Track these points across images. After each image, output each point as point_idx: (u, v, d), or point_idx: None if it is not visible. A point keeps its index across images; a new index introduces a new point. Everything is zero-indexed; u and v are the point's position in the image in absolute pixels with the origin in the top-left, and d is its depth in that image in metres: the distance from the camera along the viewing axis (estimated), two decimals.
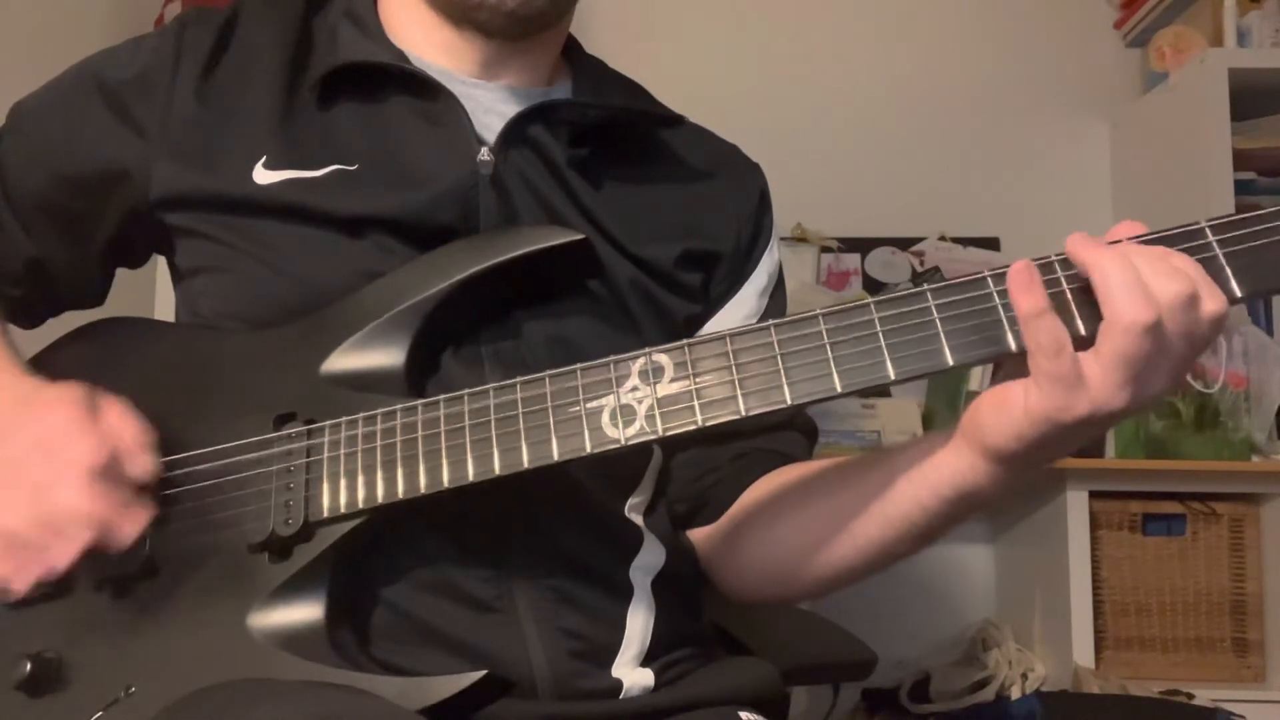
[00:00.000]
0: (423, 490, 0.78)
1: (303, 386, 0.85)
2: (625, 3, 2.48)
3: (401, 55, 0.95)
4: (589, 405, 0.77)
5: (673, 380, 0.76)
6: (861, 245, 2.45)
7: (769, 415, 0.75)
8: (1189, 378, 1.88)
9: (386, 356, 0.84)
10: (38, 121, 0.97)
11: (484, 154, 0.92)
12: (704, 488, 0.98)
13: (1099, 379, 0.69)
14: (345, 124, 0.92)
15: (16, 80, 1.02)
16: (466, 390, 0.80)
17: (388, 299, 0.85)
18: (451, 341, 0.87)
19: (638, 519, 0.93)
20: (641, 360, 0.77)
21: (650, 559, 0.92)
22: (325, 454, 0.81)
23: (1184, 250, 0.72)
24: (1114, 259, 0.70)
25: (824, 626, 1.49)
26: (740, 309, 1.01)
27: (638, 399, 0.76)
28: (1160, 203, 2.34)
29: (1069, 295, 0.72)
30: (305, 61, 0.95)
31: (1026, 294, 0.70)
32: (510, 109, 0.94)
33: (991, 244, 2.45)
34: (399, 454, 0.79)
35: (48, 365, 0.90)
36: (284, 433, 0.82)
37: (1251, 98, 2.23)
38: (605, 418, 0.76)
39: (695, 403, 0.75)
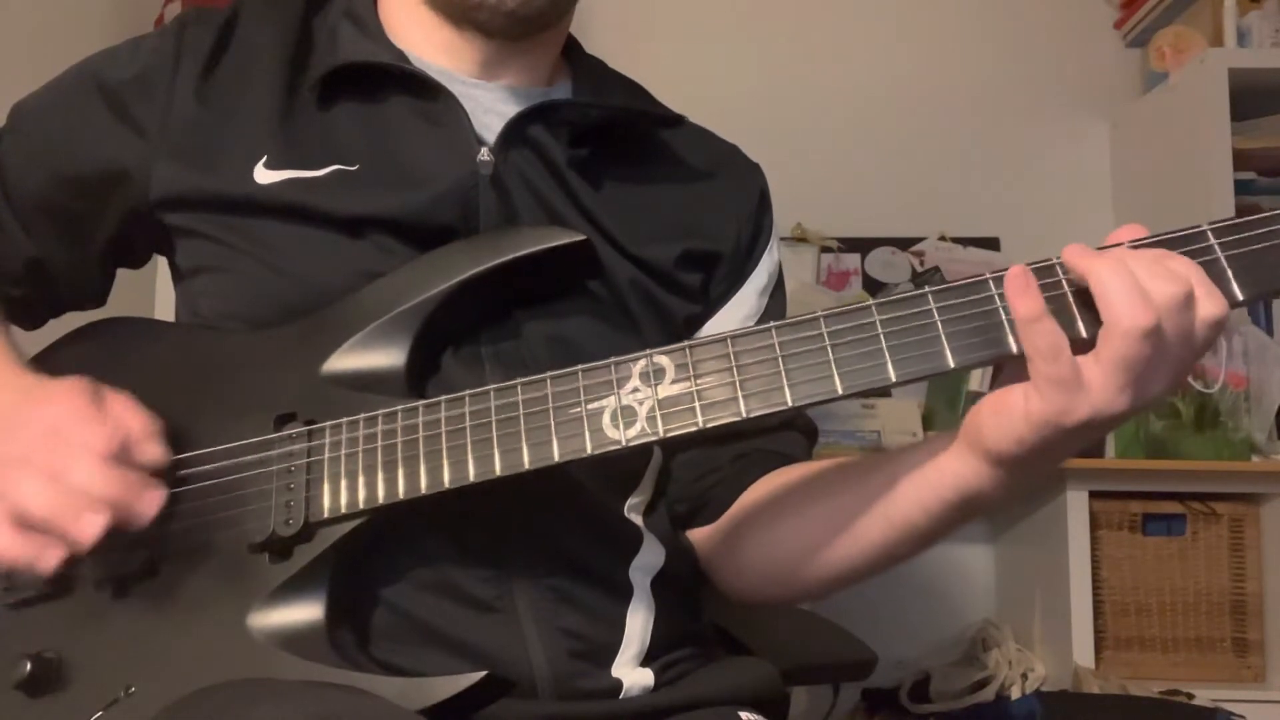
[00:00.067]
0: (423, 491, 0.78)
1: (303, 387, 0.85)
2: (625, 3, 2.48)
3: (401, 55, 0.95)
4: (590, 406, 0.77)
5: (674, 381, 0.76)
6: (861, 245, 2.45)
7: (770, 416, 0.75)
8: (1189, 378, 1.88)
9: (387, 357, 0.84)
10: (38, 121, 0.97)
11: (484, 154, 0.92)
12: (704, 488, 0.98)
13: (1099, 383, 0.69)
14: (345, 124, 0.92)
15: (16, 80, 1.02)
16: (467, 391, 0.80)
17: (388, 299, 0.85)
18: (452, 342, 0.87)
19: (637, 519, 0.93)
20: (642, 362, 0.77)
21: (650, 559, 0.92)
22: (326, 454, 0.81)
23: (1186, 253, 0.72)
24: (1110, 264, 0.70)
25: (824, 626, 1.49)
26: (740, 309, 1.01)
27: (639, 400, 0.76)
28: (1160, 203, 2.34)
29: (1070, 298, 0.72)
30: (305, 61, 0.95)
31: (1023, 298, 0.70)
32: (510, 109, 0.94)
33: (991, 244, 2.45)
34: (400, 454, 0.79)
35: (48, 365, 0.90)
36: (284, 433, 0.82)
37: (1251, 98, 2.23)
38: (606, 419, 0.76)
39: (696, 404, 0.75)
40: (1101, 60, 2.57)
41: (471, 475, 0.77)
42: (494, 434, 0.78)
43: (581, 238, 0.88)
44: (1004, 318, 0.72)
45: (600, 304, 0.92)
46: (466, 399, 0.79)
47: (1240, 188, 2.19)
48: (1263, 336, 2.11)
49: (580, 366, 0.78)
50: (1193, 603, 2.04)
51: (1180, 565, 2.05)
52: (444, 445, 0.78)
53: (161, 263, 1.00)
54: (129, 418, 0.79)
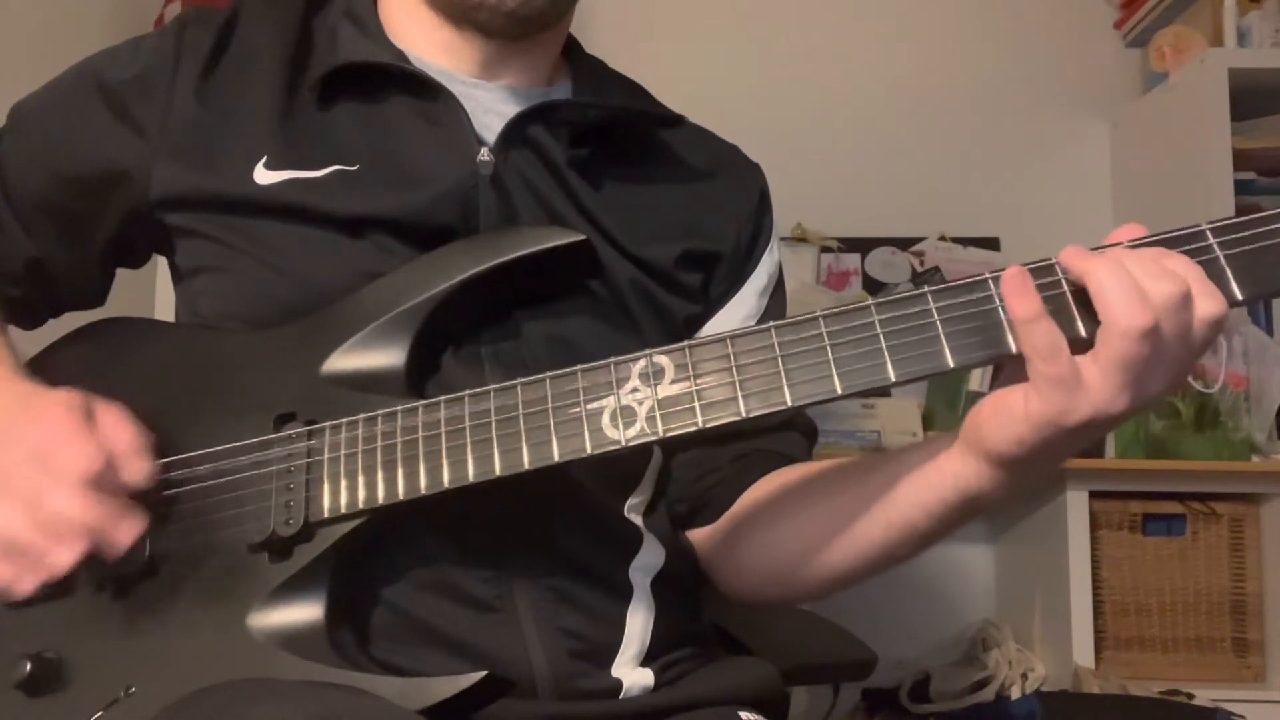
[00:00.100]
0: (423, 491, 0.78)
1: (303, 387, 0.85)
2: (625, 3, 2.48)
3: (401, 55, 0.95)
4: (589, 406, 0.77)
5: (673, 381, 0.76)
6: (861, 245, 2.45)
7: (769, 416, 0.75)
8: (1189, 378, 1.88)
9: (387, 357, 0.84)
10: (38, 122, 0.97)
11: (484, 154, 0.92)
12: (704, 488, 0.98)
13: (1098, 382, 0.69)
14: (345, 124, 0.92)
15: (16, 80, 1.02)
16: (467, 391, 0.80)
17: (388, 299, 0.85)
18: (452, 342, 0.87)
19: (637, 519, 0.93)
20: (642, 362, 0.77)
21: (650, 559, 0.92)
22: (325, 454, 0.81)
23: (1185, 253, 0.72)
24: (1108, 265, 0.70)
25: (824, 626, 1.49)
26: (740, 309, 1.01)
27: (638, 400, 0.76)
28: (1160, 203, 2.34)
29: (1069, 297, 0.72)
30: (305, 61, 0.95)
31: (1020, 298, 0.70)
32: (510, 109, 0.94)
33: (991, 244, 2.45)
34: (399, 454, 0.79)
35: (47, 366, 0.90)
36: (284, 433, 0.82)
37: (1251, 98, 2.23)
38: (606, 419, 0.76)
39: (696, 404, 0.75)
40: (1101, 60, 2.57)
41: (471, 475, 0.77)
42: (493, 434, 0.78)
43: (581, 238, 0.88)
44: (1003, 317, 0.72)
45: (600, 304, 0.92)
46: (466, 399, 0.79)
47: (1240, 188, 2.19)
48: (1263, 336, 2.11)
49: (580, 366, 0.78)
50: (1193, 603, 2.04)
51: (1180, 565, 2.05)
52: (443, 445, 0.78)
53: (161, 263, 1.00)
54: (117, 434, 0.79)
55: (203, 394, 0.87)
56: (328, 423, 0.82)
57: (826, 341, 0.74)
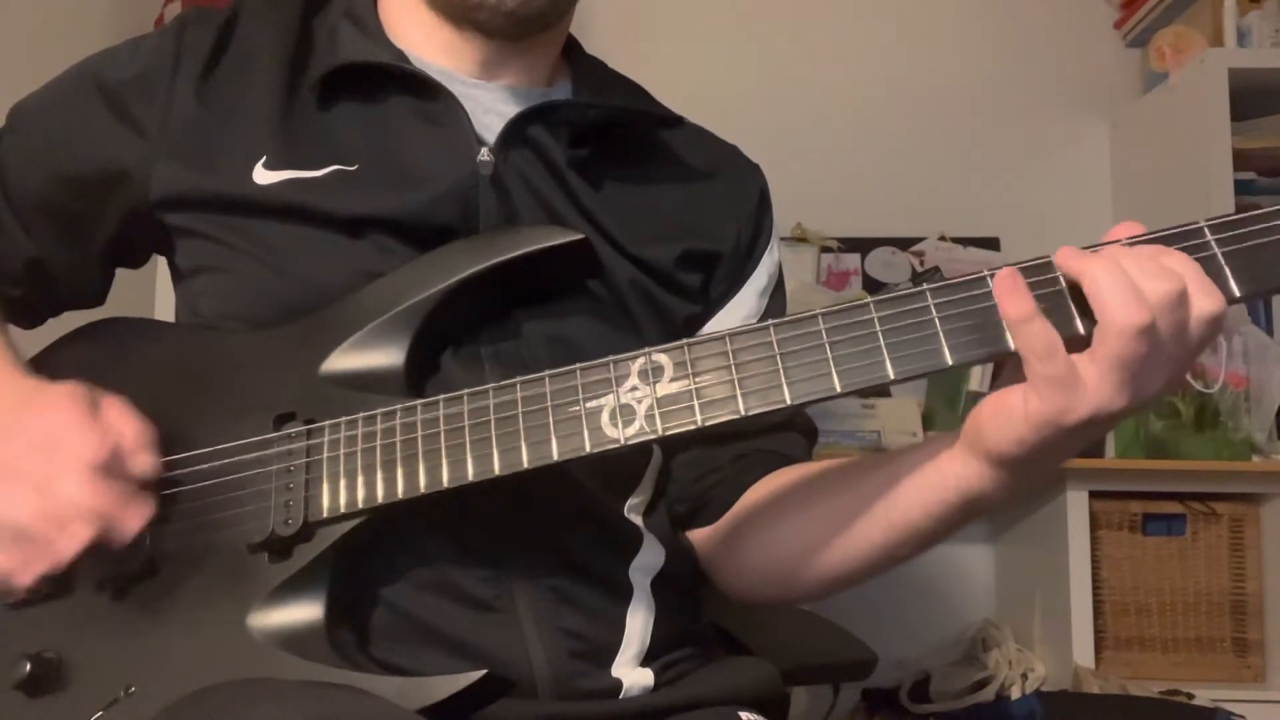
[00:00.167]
0: (422, 490, 0.78)
1: (302, 386, 0.85)
2: (625, 3, 2.48)
3: (401, 55, 0.95)
4: (588, 405, 0.77)
5: (672, 380, 0.76)
6: (861, 245, 2.45)
7: (769, 415, 0.75)
8: (1189, 377, 1.88)
9: (386, 356, 0.84)
10: (38, 122, 0.97)
11: (484, 154, 0.92)
12: (704, 488, 0.98)
13: (1096, 381, 0.69)
14: (345, 124, 0.92)
15: (16, 80, 1.02)
16: (466, 390, 0.80)
17: (388, 299, 0.85)
18: (451, 341, 0.87)
19: (637, 519, 0.93)
20: (641, 360, 0.77)
21: (650, 559, 0.92)
22: (325, 454, 0.81)
23: (1183, 250, 0.71)
24: (1103, 263, 0.69)
25: (824, 626, 1.49)
26: (740, 309, 1.01)
27: (637, 399, 0.76)
28: (1160, 203, 2.34)
29: (1066, 295, 0.71)
30: (305, 61, 0.95)
31: (1012, 300, 0.70)
32: (510, 109, 0.94)
33: (991, 244, 2.45)
34: (399, 454, 0.79)
35: (48, 365, 0.90)
36: (284, 433, 0.82)
37: (1251, 98, 2.23)
38: (605, 417, 0.76)
39: (695, 402, 0.75)
40: (1101, 60, 2.57)
41: (470, 474, 0.77)
42: (493, 433, 0.78)
43: (581, 237, 0.88)
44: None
45: (600, 304, 0.92)
46: (465, 398, 0.79)
47: (1240, 188, 2.19)
48: (1263, 336, 2.11)
49: (579, 365, 0.78)
50: (1193, 603, 2.04)
51: (1180, 565, 2.05)
52: (443, 444, 0.78)
53: (161, 263, 1.00)
54: (122, 426, 0.79)
55: (202, 394, 0.87)
56: (327, 422, 0.82)
57: (825, 340, 0.74)
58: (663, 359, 0.77)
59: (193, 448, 0.84)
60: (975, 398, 2.10)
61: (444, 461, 0.78)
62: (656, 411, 0.76)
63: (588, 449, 0.76)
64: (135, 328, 0.95)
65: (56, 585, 0.80)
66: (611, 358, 0.78)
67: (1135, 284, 0.68)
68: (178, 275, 0.97)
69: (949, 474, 0.79)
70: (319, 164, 0.90)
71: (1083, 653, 1.97)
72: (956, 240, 2.45)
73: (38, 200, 0.96)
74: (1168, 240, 0.72)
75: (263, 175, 0.89)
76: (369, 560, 0.82)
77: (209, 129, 0.91)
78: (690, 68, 2.43)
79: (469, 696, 0.74)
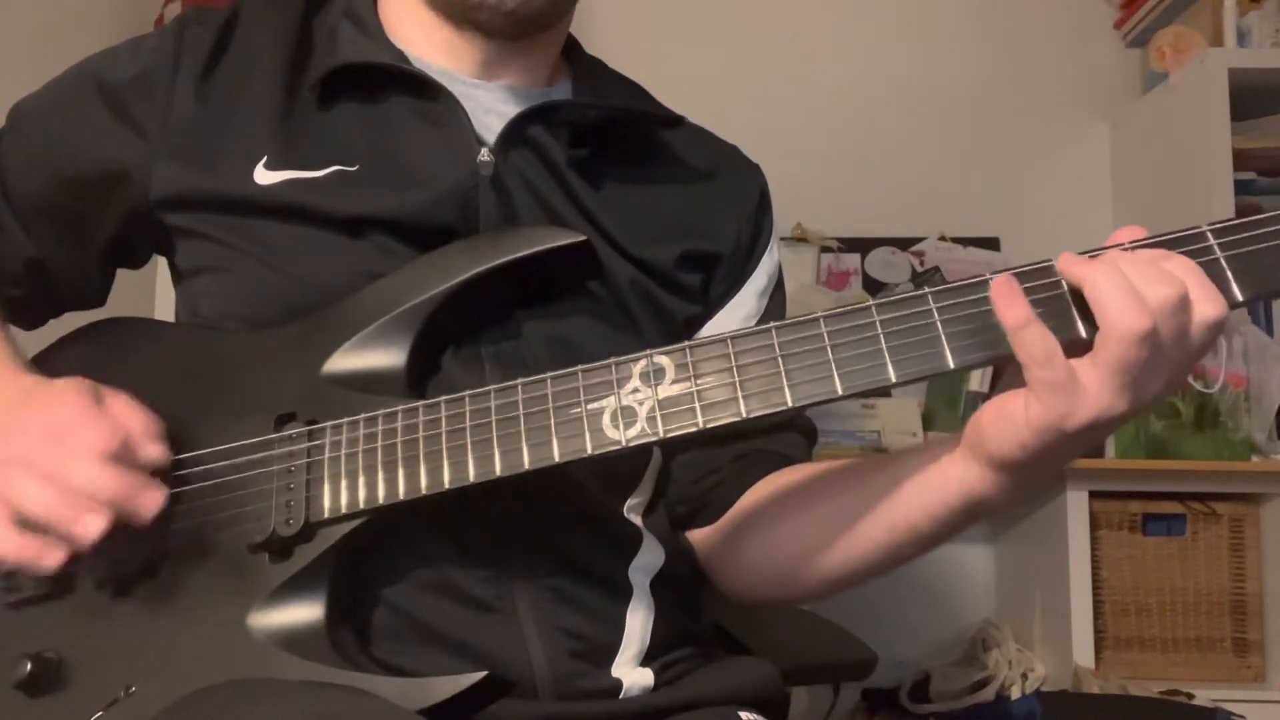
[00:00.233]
0: (423, 491, 0.78)
1: (303, 387, 0.85)
2: (625, 3, 2.48)
3: (401, 55, 0.95)
4: (590, 407, 0.77)
5: (674, 382, 0.76)
6: (861, 245, 2.45)
7: (769, 416, 0.75)
8: (1189, 378, 1.88)
9: (387, 357, 0.84)
10: (38, 122, 0.97)
11: (484, 154, 0.92)
12: (705, 489, 0.98)
13: (1097, 386, 0.69)
14: (345, 124, 0.92)
15: (16, 80, 1.02)
16: (468, 391, 0.80)
17: (388, 300, 0.85)
18: (452, 342, 0.87)
19: (637, 519, 0.93)
20: (643, 362, 0.77)
21: (649, 559, 0.92)
22: (326, 454, 0.81)
23: (1185, 254, 0.71)
24: (1104, 269, 0.69)
25: (824, 626, 1.49)
26: (740, 310, 1.01)
27: (639, 400, 0.76)
28: (1160, 203, 2.34)
29: (1068, 298, 0.71)
30: (305, 62, 0.95)
31: (1009, 306, 0.70)
32: (510, 109, 0.94)
33: (991, 244, 2.45)
34: (400, 455, 0.79)
35: (48, 365, 0.90)
36: (285, 433, 0.82)
37: (1251, 98, 2.23)
38: (606, 419, 0.76)
39: (696, 404, 0.75)
40: (1101, 60, 2.57)
41: (471, 475, 0.77)
42: (494, 434, 0.78)
43: (581, 238, 0.88)
44: None
45: (600, 304, 0.92)
46: (466, 399, 0.79)
47: (1240, 188, 2.19)
48: (1263, 336, 2.11)
49: (580, 367, 0.78)
50: (1193, 603, 2.04)
51: (1180, 565, 2.05)
52: (444, 445, 0.78)
53: (161, 263, 1.00)
54: (130, 417, 0.79)
55: (203, 394, 0.87)
56: (328, 423, 0.82)
57: (827, 342, 0.74)
58: (664, 361, 0.77)
59: (194, 448, 0.84)
60: (975, 398, 2.10)
61: (445, 462, 0.78)
62: (658, 413, 0.76)
63: (589, 451, 0.76)
64: (135, 328, 0.95)
65: (57, 585, 0.80)
66: (613, 360, 0.78)
67: (1136, 289, 0.68)
68: (178, 275, 0.97)
69: (951, 477, 0.79)
70: (319, 164, 0.90)
71: (1083, 653, 1.97)
72: (956, 240, 2.45)
73: (38, 200, 0.96)
74: (1170, 244, 0.72)
75: (264, 175, 0.89)
76: (370, 561, 0.82)
77: (209, 129, 0.91)
78: (690, 68, 2.43)
79: (469, 697, 0.74)
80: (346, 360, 0.85)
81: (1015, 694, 1.96)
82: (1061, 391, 0.69)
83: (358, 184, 0.90)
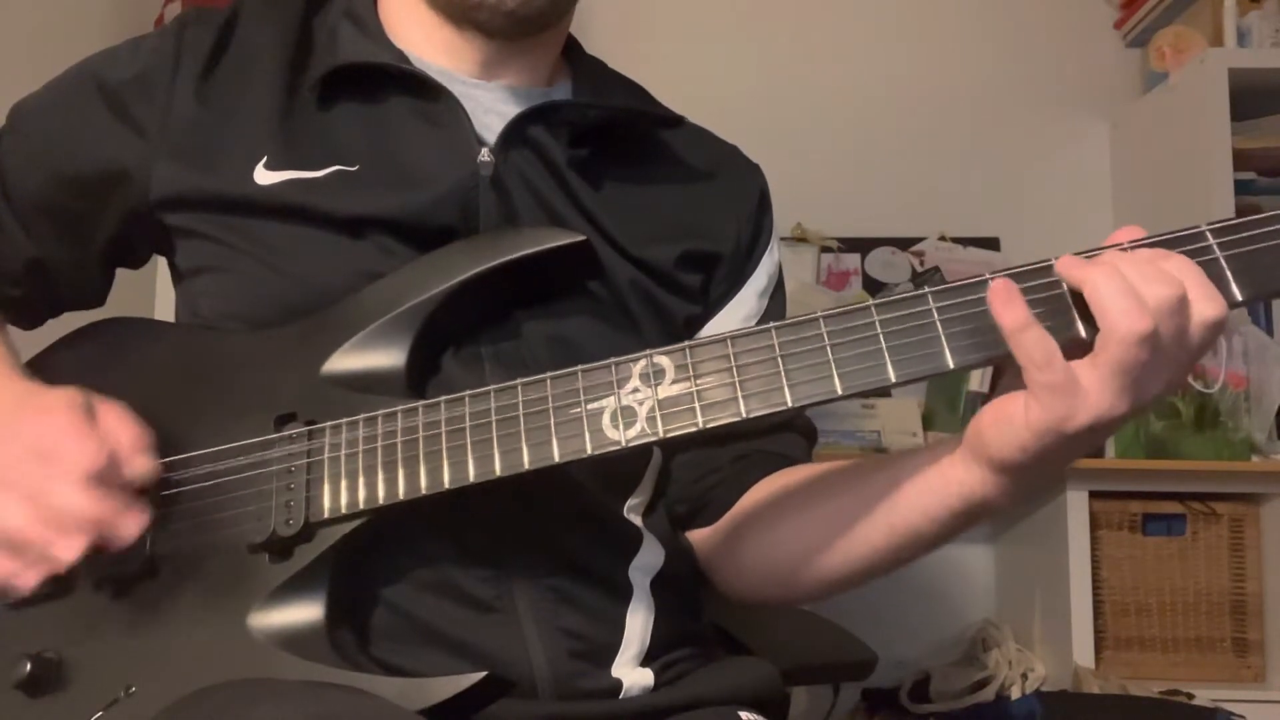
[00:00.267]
0: (423, 491, 0.78)
1: (303, 387, 0.85)
2: (625, 3, 2.48)
3: (402, 55, 0.95)
4: (590, 407, 0.77)
5: (674, 382, 0.76)
6: (861, 245, 2.45)
7: (769, 416, 0.75)
8: (1189, 378, 1.88)
9: (387, 357, 0.84)
10: (38, 122, 0.97)
11: (484, 155, 0.92)
12: (705, 489, 0.98)
13: (1097, 388, 0.69)
14: (345, 124, 0.92)
15: (16, 80, 1.02)
16: (467, 392, 0.80)
17: (388, 300, 0.85)
18: (452, 342, 0.87)
19: (637, 519, 0.93)
20: (642, 362, 0.77)
21: (649, 559, 0.92)
22: (326, 455, 0.81)
23: (1185, 254, 0.71)
24: (1103, 271, 0.69)
25: (824, 626, 1.49)
26: (740, 310, 1.01)
27: (638, 401, 0.76)
28: (1160, 203, 2.34)
29: (1068, 298, 0.71)
30: (305, 62, 0.95)
31: (1007, 309, 0.70)
32: (510, 109, 0.94)
33: (991, 244, 2.45)
34: (400, 455, 0.79)
35: (47, 366, 0.90)
36: (285, 433, 0.82)
37: (1251, 98, 2.23)
38: (606, 419, 0.76)
39: (696, 404, 0.75)
40: (1101, 60, 2.57)
41: (471, 476, 0.77)
42: (494, 434, 0.78)
43: (581, 238, 0.88)
44: None
45: (600, 304, 0.92)
46: (466, 399, 0.79)
47: (1240, 188, 2.19)
48: (1263, 336, 2.11)
49: (580, 367, 0.78)
50: (1193, 603, 2.04)
51: (1180, 565, 2.05)
52: (444, 445, 0.78)
53: (161, 263, 1.00)
54: (119, 431, 0.79)
55: (203, 394, 0.87)
56: (328, 423, 0.82)
57: (827, 342, 0.74)
58: (664, 361, 0.77)
59: (193, 448, 0.84)
60: (975, 398, 2.10)
61: (445, 463, 0.78)
62: (658, 413, 0.76)
63: (589, 451, 0.76)
64: (135, 328, 0.95)
65: (57, 585, 0.80)
66: (613, 360, 0.78)
67: (1136, 290, 0.68)
68: (178, 275, 0.97)
69: (951, 480, 0.79)
70: (320, 164, 0.90)
71: (1083, 653, 1.97)
72: (956, 240, 2.45)
73: (38, 200, 0.96)
74: (1169, 244, 0.72)
75: (264, 175, 0.89)
76: (369, 561, 0.82)
77: (209, 129, 0.91)
78: (690, 68, 2.43)
79: (469, 697, 0.74)
80: (346, 360, 0.85)
81: (1015, 694, 1.96)
82: (1061, 393, 0.69)
83: (358, 184, 0.90)
